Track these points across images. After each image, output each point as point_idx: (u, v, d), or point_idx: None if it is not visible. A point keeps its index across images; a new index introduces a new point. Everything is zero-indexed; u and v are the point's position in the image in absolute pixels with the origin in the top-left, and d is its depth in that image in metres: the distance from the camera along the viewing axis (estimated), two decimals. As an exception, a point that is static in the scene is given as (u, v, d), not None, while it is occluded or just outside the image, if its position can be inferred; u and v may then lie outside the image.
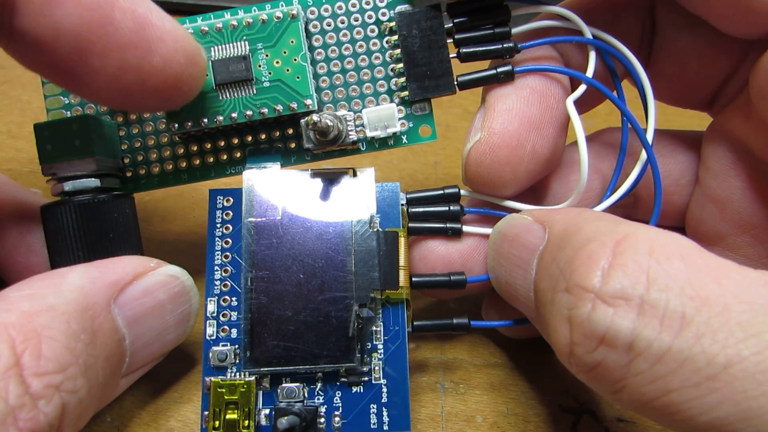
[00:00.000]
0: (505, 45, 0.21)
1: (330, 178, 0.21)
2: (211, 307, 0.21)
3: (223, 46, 0.21)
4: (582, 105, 0.22)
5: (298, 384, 0.20)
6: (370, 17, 0.23)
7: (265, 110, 0.21)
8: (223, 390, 0.19)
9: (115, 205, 0.21)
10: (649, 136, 0.21)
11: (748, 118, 0.20)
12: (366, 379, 0.20)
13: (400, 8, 0.22)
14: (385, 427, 0.19)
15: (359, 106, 0.23)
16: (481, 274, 0.22)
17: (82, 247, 0.20)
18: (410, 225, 0.22)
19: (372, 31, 0.23)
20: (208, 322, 0.21)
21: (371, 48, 0.23)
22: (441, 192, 0.22)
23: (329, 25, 0.23)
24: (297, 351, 0.19)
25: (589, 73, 0.22)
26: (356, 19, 0.23)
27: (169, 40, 0.18)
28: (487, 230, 0.22)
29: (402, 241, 0.21)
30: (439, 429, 0.22)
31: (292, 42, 0.22)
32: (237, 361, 0.20)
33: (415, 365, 0.24)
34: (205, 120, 0.21)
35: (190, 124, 0.21)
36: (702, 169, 0.23)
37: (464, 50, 0.22)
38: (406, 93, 0.22)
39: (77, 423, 0.17)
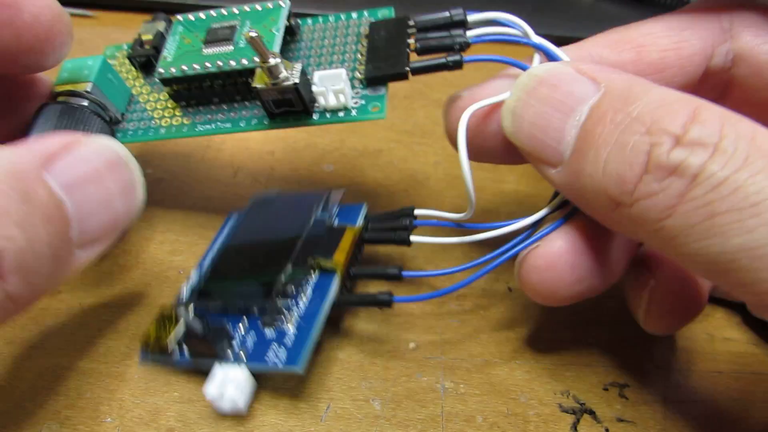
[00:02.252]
0: (457, 39, 0.23)
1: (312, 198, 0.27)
2: (194, 274, 0.26)
3: (221, 22, 0.26)
4: None
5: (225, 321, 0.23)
6: (353, 30, 0.26)
7: (233, 62, 0.25)
8: (163, 311, 0.24)
9: (92, 119, 0.25)
10: None
11: None
12: (279, 325, 0.22)
13: (378, 20, 0.25)
14: (278, 363, 0.21)
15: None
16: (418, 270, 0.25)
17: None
18: (365, 235, 0.25)
19: (352, 39, 0.26)
20: (186, 284, 0.26)
21: (346, 49, 0.26)
22: (398, 212, 0.25)
23: (318, 35, 0.27)
24: (232, 294, 0.23)
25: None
26: (342, 31, 0.27)
27: None
28: (433, 239, 0.24)
29: (349, 233, 0.24)
30: (439, 429, 0.22)
31: (272, 19, 0.25)
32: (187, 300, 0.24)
33: (415, 365, 0.24)
34: (185, 67, 0.25)
35: (174, 70, 0.25)
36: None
37: (421, 44, 0.24)
38: (364, 76, 0.25)
39: (27, 277, 0.17)
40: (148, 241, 0.28)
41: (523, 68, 0.22)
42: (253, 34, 0.22)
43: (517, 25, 0.23)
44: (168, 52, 0.26)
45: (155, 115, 0.27)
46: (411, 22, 0.24)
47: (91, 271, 0.27)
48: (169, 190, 0.31)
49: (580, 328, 0.26)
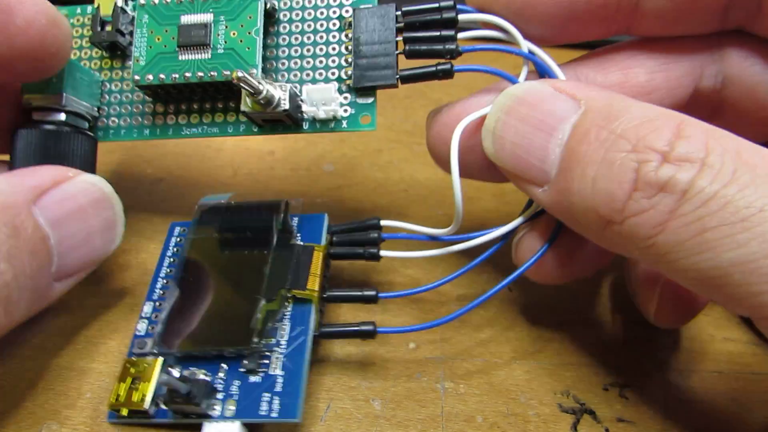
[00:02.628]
0: (447, 46, 0.23)
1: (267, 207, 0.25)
2: (147, 308, 0.24)
3: (192, 15, 0.24)
4: None
5: (203, 371, 0.21)
6: (334, 12, 0.25)
7: (214, 73, 0.24)
8: (129, 366, 0.21)
9: (74, 139, 0.24)
10: None
11: None
12: (265, 370, 0.21)
13: (362, 6, 0.24)
14: (274, 414, 0.20)
15: (307, 81, 0.25)
16: (397, 291, 0.24)
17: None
18: (332, 251, 0.24)
19: (334, 24, 0.25)
20: (140, 320, 0.23)
21: (330, 39, 0.25)
22: (362, 224, 0.25)
23: (297, 16, 0.25)
24: (203, 338, 0.21)
25: (521, 80, 0.23)
26: (321, 13, 0.25)
27: (29, 3, 0.21)
28: (404, 254, 0.24)
29: (317, 254, 0.23)
30: (439, 429, 0.22)
31: (250, 18, 0.24)
32: (155, 351, 0.22)
33: (415, 365, 0.24)
34: (163, 76, 0.24)
35: (150, 77, 0.24)
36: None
37: (410, 48, 0.23)
38: (351, 82, 0.24)
39: (8, 307, 0.18)
40: (149, 241, 0.28)
41: (513, 81, 0.22)
42: (240, 75, 0.21)
43: (506, 31, 0.23)
44: (139, 51, 0.24)
45: (135, 110, 0.26)
46: (398, 12, 0.23)
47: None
48: (169, 189, 0.31)
49: (580, 328, 0.26)
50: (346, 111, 0.24)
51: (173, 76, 0.24)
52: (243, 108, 0.23)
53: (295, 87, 0.24)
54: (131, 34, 0.26)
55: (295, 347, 0.21)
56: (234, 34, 0.24)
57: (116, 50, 0.27)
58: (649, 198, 0.17)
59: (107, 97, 0.27)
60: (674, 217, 0.16)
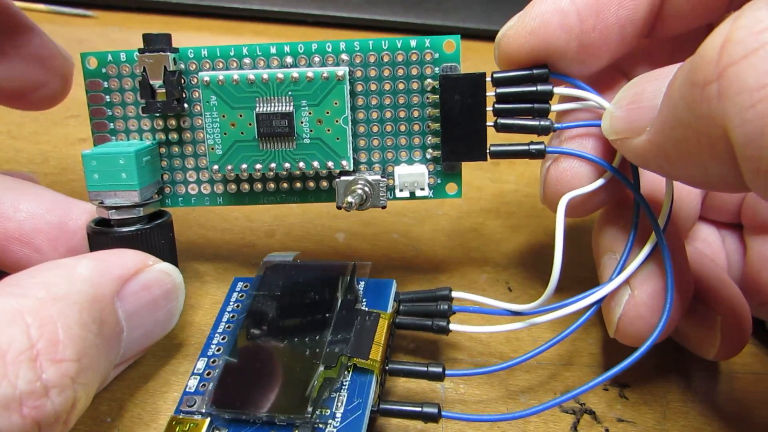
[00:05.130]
0: (541, 123, 0.22)
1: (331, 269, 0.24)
2: (201, 364, 0.22)
3: (268, 98, 0.22)
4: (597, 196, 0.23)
5: None
6: (415, 71, 0.23)
7: (303, 165, 0.23)
8: (175, 424, 0.20)
9: (155, 234, 0.23)
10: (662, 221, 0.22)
11: None
12: None
13: (445, 65, 0.23)
14: None
15: (392, 162, 0.24)
16: (468, 369, 0.22)
17: None
18: (398, 320, 0.23)
19: (415, 84, 0.23)
20: (192, 376, 0.22)
21: (412, 101, 0.23)
22: (432, 293, 0.23)
23: (374, 75, 0.23)
24: (256, 401, 0.20)
25: (615, 162, 0.22)
26: (400, 71, 0.23)
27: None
28: (479, 329, 0.22)
29: (383, 322, 0.22)
30: (439, 429, 0.22)
31: (336, 104, 0.22)
32: (203, 410, 0.20)
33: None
34: (245, 166, 0.23)
35: (230, 168, 0.23)
36: None
37: (501, 121, 0.22)
38: (438, 153, 0.23)
39: (77, 404, 0.17)
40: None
41: (603, 165, 0.22)
42: (351, 200, 0.22)
43: (586, 99, 0.22)
44: (213, 139, 0.23)
45: (202, 178, 0.25)
46: (488, 79, 0.22)
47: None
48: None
49: (580, 328, 0.26)
50: (432, 180, 0.24)
51: (256, 166, 0.23)
52: (340, 204, 0.23)
53: (376, 166, 0.24)
54: (182, 89, 0.24)
55: (351, 421, 0.19)
56: (320, 122, 0.22)
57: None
58: (757, 34, 0.13)
59: (166, 161, 0.24)
60: None
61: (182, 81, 0.24)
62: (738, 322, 0.22)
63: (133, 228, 0.23)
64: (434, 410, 0.20)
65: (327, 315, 0.22)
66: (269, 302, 0.23)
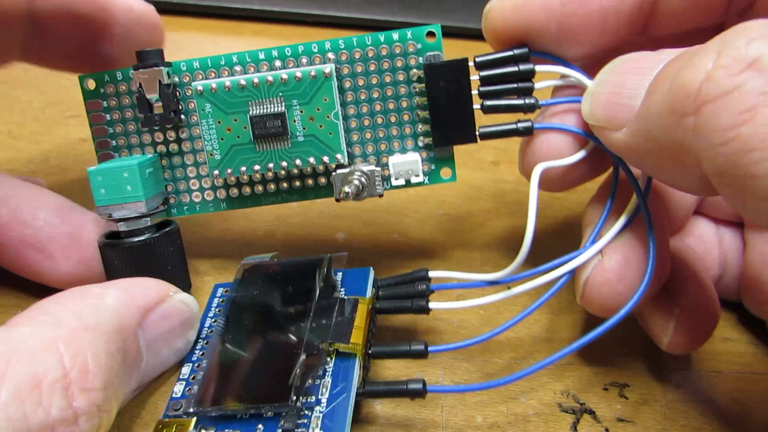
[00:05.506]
0: (526, 101, 0.23)
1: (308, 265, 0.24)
2: (185, 370, 0.22)
3: (260, 100, 0.23)
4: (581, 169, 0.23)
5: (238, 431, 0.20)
6: (400, 63, 0.24)
7: (299, 162, 0.23)
8: (162, 428, 0.20)
9: (164, 242, 0.24)
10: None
11: None
12: (303, 430, 0.19)
13: (429, 54, 0.23)
14: None
15: (386, 152, 0.25)
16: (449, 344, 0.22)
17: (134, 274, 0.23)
18: (378, 305, 0.23)
19: (401, 76, 0.24)
20: (178, 382, 0.22)
21: (399, 92, 0.24)
22: (410, 276, 0.24)
23: (360, 71, 0.24)
24: (240, 395, 0.20)
25: None
26: (386, 64, 0.24)
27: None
28: (458, 304, 0.23)
29: (362, 307, 0.22)
30: (439, 429, 0.22)
31: (326, 100, 0.23)
32: (190, 410, 0.20)
33: (415, 365, 0.24)
34: (244, 169, 0.24)
35: (230, 171, 0.24)
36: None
37: (487, 103, 0.23)
38: (430, 139, 0.24)
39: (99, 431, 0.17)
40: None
41: (587, 137, 0.23)
42: (342, 197, 0.23)
43: (568, 76, 0.23)
44: (211, 145, 0.24)
45: (205, 185, 0.25)
46: (471, 63, 0.23)
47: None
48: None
49: (580, 328, 0.26)
50: (426, 167, 0.25)
51: (255, 168, 0.24)
52: (337, 196, 0.24)
53: (371, 158, 0.25)
54: (177, 101, 0.24)
55: (336, 405, 0.20)
56: (311, 119, 0.23)
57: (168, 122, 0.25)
58: (734, 76, 0.14)
59: (169, 172, 0.25)
60: (764, 103, 0.13)
61: (177, 93, 0.24)
62: (696, 320, 0.22)
63: (142, 237, 0.23)
64: (419, 386, 0.20)
65: (306, 306, 0.22)
66: (249, 301, 0.23)
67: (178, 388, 0.22)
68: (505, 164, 0.36)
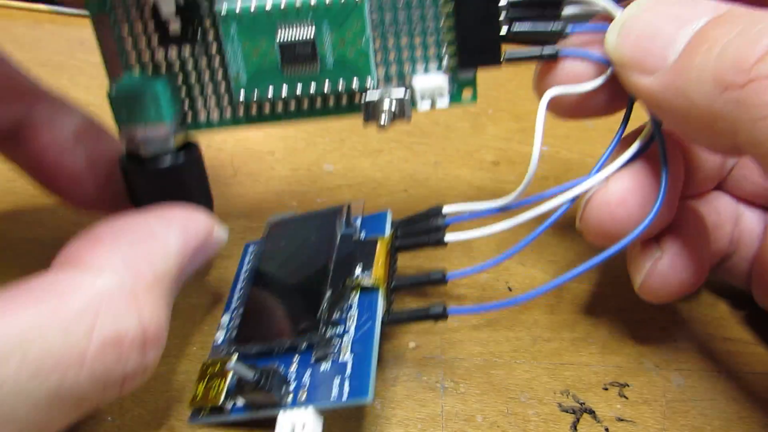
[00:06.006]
0: (553, 29, 0.23)
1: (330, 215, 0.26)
2: (225, 319, 0.24)
3: (289, 24, 0.22)
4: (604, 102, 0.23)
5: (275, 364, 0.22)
6: None
7: (328, 85, 0.23)
8: (206, 367, 0.22)
9: (189, 163, 0.23)
10: None
11: None
12: (334, 358, 0.21)
13: None
14: (344, 397, 0.19)
15: (410, 71, 0.24)
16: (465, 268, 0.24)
17: (162, 199, 0.23)
18: (397, 243, 0.25)
19: (429, 7, 0.23)
20: (218, 330, 0.24)
21: (426, 14, 0.23)
22: (425, 213, 0.25)
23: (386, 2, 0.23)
24: (275, 331, 0.22)
25: None
26: None
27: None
28: (471, 234, 0.24)
29: (382, 244, 0.24)
30: (439, 429, 0.22)
31: (357, 24, 0.23)
32: (231, 350, 0.22)
33: (415, 365, 0.24)
34: (270, 90, 0.23)
35: (256, 92, 0.23)
36: None
37: (514, 30, 0.23)
38: (453, 61, 0.24)
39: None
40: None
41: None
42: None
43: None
44: (237, 66, 0.23)
45: (224, 102, 0.24)
46: None
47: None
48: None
49: (580, 328, 0.26)
50: (449, 89, 0.24)
51: (282, 90, 0.23)
52: (381, 123, 0.23)
53: (398, 82, 0.24)
54: (196, 18, 0.23)
55: (364, 332, 0.21)
56: (342, 43, 0.23)
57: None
58: None
59: (186, 90, 0.24)
60: None
61: (197, 8, 0.23)
62: (676, 274, 0.22)
63: (168, 163, 0.23)
64: (440, 309, 0.22)
65: (329, 249, 0.24)
66: (276, 251, 0.25)
67: (219, 334, 0.24)
68: (505, 164, 0.36)
